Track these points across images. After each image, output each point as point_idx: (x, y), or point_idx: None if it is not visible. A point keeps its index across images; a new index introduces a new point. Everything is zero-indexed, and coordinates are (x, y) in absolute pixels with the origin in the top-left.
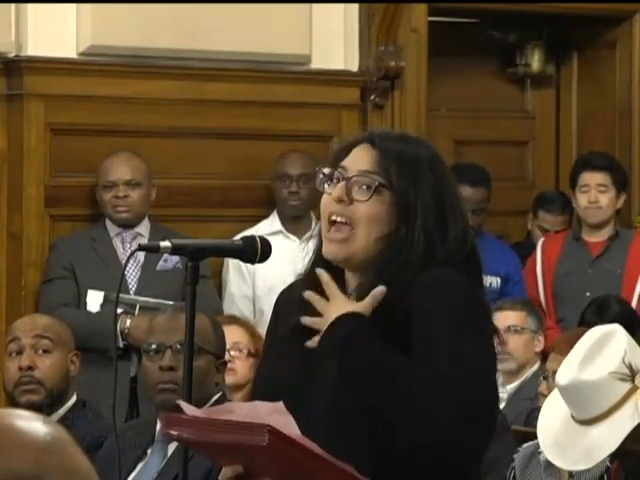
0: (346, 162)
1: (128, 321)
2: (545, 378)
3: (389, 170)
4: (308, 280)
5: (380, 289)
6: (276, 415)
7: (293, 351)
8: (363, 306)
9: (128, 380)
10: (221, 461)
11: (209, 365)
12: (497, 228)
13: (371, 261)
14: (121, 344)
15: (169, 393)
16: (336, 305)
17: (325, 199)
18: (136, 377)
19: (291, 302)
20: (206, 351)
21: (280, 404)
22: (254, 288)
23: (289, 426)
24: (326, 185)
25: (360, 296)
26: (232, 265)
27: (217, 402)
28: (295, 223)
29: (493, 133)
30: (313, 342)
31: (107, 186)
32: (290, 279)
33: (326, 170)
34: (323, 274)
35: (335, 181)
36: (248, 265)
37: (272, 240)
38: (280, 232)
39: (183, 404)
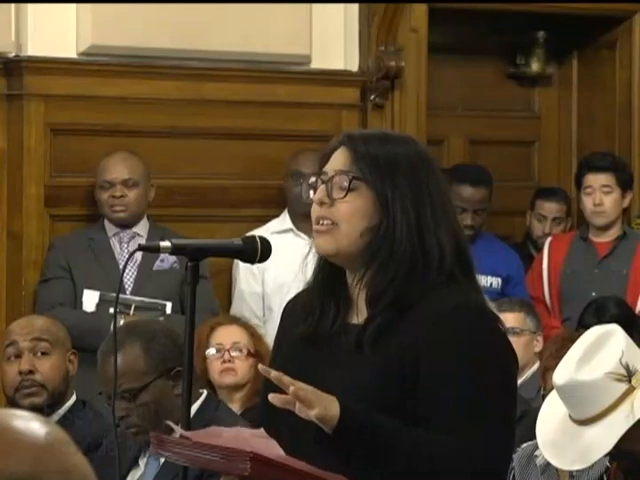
0: (326, 167)
1: (122, 321)
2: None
3: (362, 167)
4: (315, 283)
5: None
6: (259, 439)
7: (300, 359)
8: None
9: None
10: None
11: (161, 391)
12: (503, 228)
13: (362, 257)
14: None
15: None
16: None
17: (313, 206)
18: None
19: (296, 312)
20: (148, 384)
21: (261, 430)
22: (264, 286)
23: (272, 448)
24: (311, 192)
25: (359, 290)
26: (242, 263)
27: (204, 403)
28: (306, 221)
29: (500, 133)
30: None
31: (104, 186)
32: (299, 277)
33: (310, 180)
34: (275, 397)
35: (318, 187)
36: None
37: (282, 238)
38: (290, 230)
39: (173, 425)
